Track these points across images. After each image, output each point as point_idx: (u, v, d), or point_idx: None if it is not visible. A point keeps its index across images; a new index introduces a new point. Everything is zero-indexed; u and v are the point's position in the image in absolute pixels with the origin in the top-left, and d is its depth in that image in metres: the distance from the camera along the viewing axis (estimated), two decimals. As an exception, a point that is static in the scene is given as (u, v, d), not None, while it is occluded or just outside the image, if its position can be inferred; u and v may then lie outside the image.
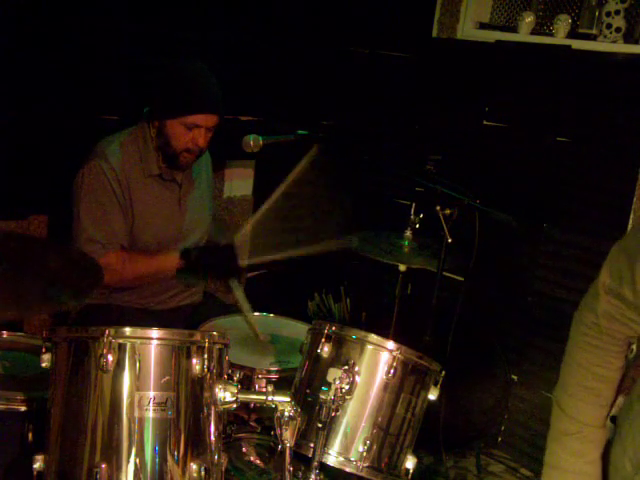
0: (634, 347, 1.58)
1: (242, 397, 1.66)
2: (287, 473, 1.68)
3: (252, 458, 2.10)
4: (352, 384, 1.84)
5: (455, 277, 3.22)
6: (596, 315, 1.54)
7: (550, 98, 3.29)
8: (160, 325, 1.61)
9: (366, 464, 1.86)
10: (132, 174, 2.49)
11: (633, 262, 1.44)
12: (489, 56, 3.48)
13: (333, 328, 1.95)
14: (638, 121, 3.01)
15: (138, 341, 1.55)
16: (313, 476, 1.80)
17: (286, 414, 1.64)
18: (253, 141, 2.40)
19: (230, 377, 1.69)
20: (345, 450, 1.86)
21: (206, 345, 1.61)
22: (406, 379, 1.92)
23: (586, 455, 1.56)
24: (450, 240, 2.45)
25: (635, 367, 1.60)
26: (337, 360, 1.91)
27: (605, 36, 3.15)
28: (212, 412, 1.63)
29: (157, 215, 2.57)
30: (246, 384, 2.13)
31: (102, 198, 2.44)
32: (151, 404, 1.54)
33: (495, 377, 3.39)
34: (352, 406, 1.87)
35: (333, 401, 1.77)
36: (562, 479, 1.59)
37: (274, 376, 2.16)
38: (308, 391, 1.94)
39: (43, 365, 1.61)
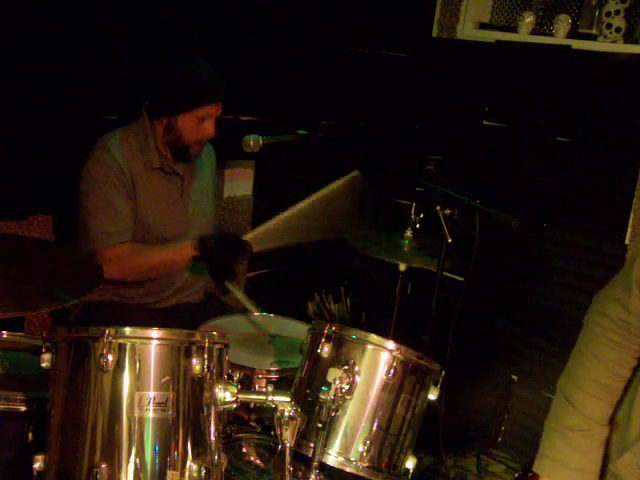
0: None
1: (242, 397, 1.66)
2: (287, 473, 1.68)
3: (252, 458, 2.10)
4: (352, 384, 1.84)
5: (455, 277, 3.22)
6: (627, 312, 1.45)
7: (550, 98, 3.29)
8: (160, 323, 1.61)
9: (366, 464, 1.86)
10: (134, 166, 2.50)
11: None
12: (489, 56, 3.48)
13: (333, 328, 1.95)
14: (638, 121, 3.02)
15: (138, 341, 1.55)
16: (313, 476, 1.80)
17: (286, 414, 1.63)
18: (253, 141, 2.40)
19: (230, 377, 1.69)
20: (345, 450, 1.86)
21: (206, 345, 1.61)
22: (406, 379, 1.91)
23: (591, 453, 1.51)
24: (450, 240, 2.45)
25: None
26: (337, 360, 1.90)
27: (605, 36, 3.15)
28: (212, 412, 1.63)
29: (160, 206, 2.57)
30: (246, 384, 2.13)
31: (108, 189, 2.44)
32: (151, 404, 1.53)
33: (495, 377, 3.39)
34: (352, 406, 1.87)
35: (333, 401, 1.77)
36: (562, 474, 1.53)
37: (274, 376, 2.16)
38: (308, 391, 1.93)
39: (43, 365, 1.61)
